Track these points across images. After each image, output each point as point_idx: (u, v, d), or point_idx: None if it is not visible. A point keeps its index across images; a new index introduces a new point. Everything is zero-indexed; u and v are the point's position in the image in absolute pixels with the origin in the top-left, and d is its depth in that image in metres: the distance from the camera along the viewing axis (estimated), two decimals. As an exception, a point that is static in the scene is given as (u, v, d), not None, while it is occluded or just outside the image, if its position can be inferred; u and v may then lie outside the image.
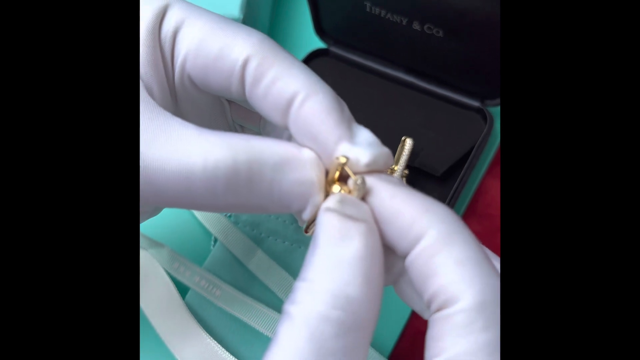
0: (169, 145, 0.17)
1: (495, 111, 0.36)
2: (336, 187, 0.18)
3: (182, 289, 0.31)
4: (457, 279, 0.16)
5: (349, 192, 0.18)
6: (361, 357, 0.16)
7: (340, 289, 0.16)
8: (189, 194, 0.17)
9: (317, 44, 0.39)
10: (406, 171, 0.32)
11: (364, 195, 0.18)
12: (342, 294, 0.16)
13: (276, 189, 0.17)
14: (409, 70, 0.36)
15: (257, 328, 0.29)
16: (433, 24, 0.31)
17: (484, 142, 0.33)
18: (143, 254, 0.31)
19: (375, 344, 0.29)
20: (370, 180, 0.18)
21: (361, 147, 0.18)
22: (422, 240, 0.17)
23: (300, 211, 0.18)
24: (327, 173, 0.18)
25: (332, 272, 0.16)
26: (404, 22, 0.32)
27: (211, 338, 0.29)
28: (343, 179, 0.18)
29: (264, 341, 0.30)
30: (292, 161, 0.17)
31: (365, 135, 0.18)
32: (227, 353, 0.29)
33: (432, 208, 0.17)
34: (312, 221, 0.18)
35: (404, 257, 0.17)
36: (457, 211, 0.34)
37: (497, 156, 0.36)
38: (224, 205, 0.18)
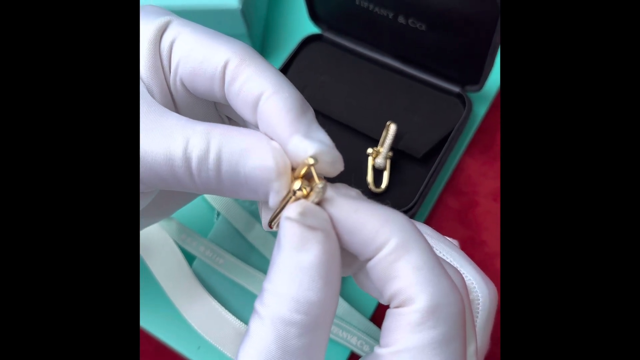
0: (160, 134, 0.19)
1: (474, 96, 0.38)
2: (297, 184, 0.18)
3: (189, 258, 0.34)
4: (414, 283, 0.18)
5: (308, 193, 0.19)
6: (322, 351, 0.18)
7: (302, 295, 0.18)
8: (173, 176, 0.19)
9: (312, 29, 0.42)
10: (390, 153, 0.36)
11: (321, 200, 0.19)
12: (304, 299, 0.18)
13: (241, 172, 0.19)
14: (396, 57, 0.39)
15: (255, 293, 0.33)
16: (416, 19, 0.34)
17: (462, 125, 0.36)
18: (154, 226, 0.35)
19: (358, 308, 0.33)
20: (332, 194, 0.19)
21: (311, 140, 0.19)
22: (384, 248, 0.18)
23: (267, 198, 0.19)
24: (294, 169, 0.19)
25: (293, 278, 0.18)
26: (390, 16, 0.35)
27: (215, 300, 0.33)
28: (307, 177, 0.19)
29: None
30: (256, 148, 0.18)
31: (320, 135, 0.19)
32: (229, 313, 0.32)
33: (392, 218, 0.19)
34: (275, 216, 0.20)
35: (365, 260, 0.19)
36: (435, 189, 0.37)
37: (474, 138, 0.39)
38: (203, 187, 0.19)
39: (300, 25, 0.44)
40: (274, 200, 0.19)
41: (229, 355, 0.32)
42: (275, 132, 0.19)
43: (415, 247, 0.18)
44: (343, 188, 0.20)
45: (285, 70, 0.40)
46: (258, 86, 0.20)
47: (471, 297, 0.26)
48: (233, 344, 0.32)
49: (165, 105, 0.22)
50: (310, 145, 0.18)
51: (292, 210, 0.18)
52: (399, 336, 0.18)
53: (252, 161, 0.18)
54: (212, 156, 0.19)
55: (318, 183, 0.18)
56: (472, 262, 0.27)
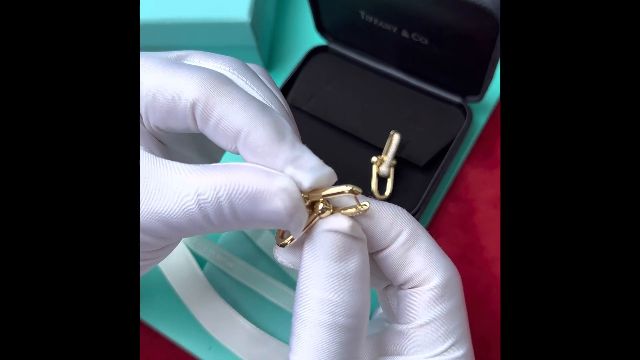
0: (171, 195, 0.19)
1: (475, 106, 0.40)
2: (320, 205, 0.20)
3: (201, 262, 0.36)
4: (428, 265, 0.21)
5: (332, 209, 0.20)
6: (363, 344, 0.20)
7: (351, 300, 0.19)
8: (196, 228, 0.20)
9: (318, 40, 0.43)
10: (394, 161, 0.37)
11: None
12: (354, 303, 0.19)
13: (256, 216, 0.19)
14: (399, 68, 0.40)
15: (265, 295, 0.35)
16: (419, 34, 0.35)
17: (463, 134, 0.38)
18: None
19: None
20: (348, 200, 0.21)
21: (304, 171, 0.19)
22: (399, 238, 0.21)
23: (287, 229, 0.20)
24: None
25: (341, 285, 0.19)
26: (394, 30, 0.36)
27: (225, 302, 0.34)
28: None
29: (270, 306, 0.35)
30: (262, 193, 0.19)
31: (307, 158, 0.20)
32: (240, 315, 0.34)
33: (399, 212, 0.21)
34: (282, 234, 0.22)
35: (375, 252, 0.22)
36: (437, 196, 0.39)
37: (474, 147, 0.41)
38: (229, 229, 0.20)
39: (307, 37, 0.45)
40: (295, 234, 0.20)
41: (239, 356, 0.33)
42: (266, 164, 0.20)
43: (422, 234, 0.22)
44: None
45: (292, 80, 0.41)
46: (232, 126, 0.20)
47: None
48: (243, 344, 0.33)
49: (154, 146, 0.23)
50: (305, 176, 0.19)
51: (339, 223, 0.20)
52: (420, 311, 0.21)
53: (263, 208, 0.19)
54: (225, 209, 0.19)
55: (363, 204, 0.21)
56: None
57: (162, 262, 0.35)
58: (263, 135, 0.20)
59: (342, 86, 0.41)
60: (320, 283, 0.19)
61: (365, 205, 0.21)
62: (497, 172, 0.40)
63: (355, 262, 0.20)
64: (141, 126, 0.22)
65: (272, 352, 0.33)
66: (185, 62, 0.23)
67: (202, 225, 0.20)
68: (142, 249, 0.21)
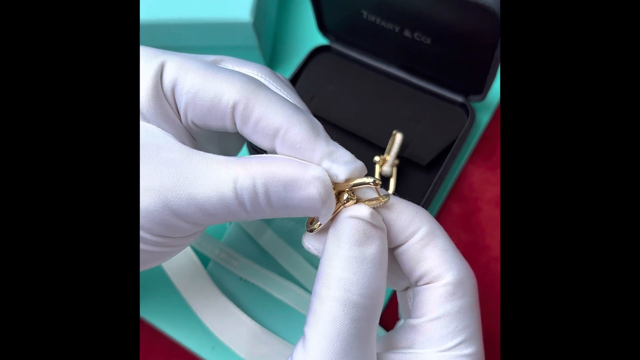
0: (208, 182, 0.21)
1: (477, 106, 0.40)
2: (345, 195, 0.22)
3: (204, 260, 0.36)
4: (443, 262, 0.22)
5: (356, 200, 0.22)
6: (375, 329, 0.21)
7: (367, 282, 0.20)
8: (230, 214, 0.21)
9: (320, 40, 0.43)
10: (397, 161, 0.37)
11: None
12: (370, 285, 0.20)
13: (289, 203, 0.21)
14: (402, 68, 0.40)
15: (271, 293, 0.35)
16: (421, 33, 0.35)
17: (466, 134, 0.38)
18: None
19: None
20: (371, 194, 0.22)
21: (339, 164, 0.21)
22: (416, 235, 0.22)
23: (317, 215, 0.22)
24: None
25: (360, 267, 0.20)
26: (397, 30, 0.36)
27: (228, 299, 0.34)
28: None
29: (274, 303, 0.35)
30: (297, 181, 0.20)
31: (341, 153, 0.22)
32: (244, 314, 0.34)
33: (419, 210, 0.23)
34: (311, 221, 0.23)
35: (394, 247, 0.23)
36: (440, 195, 0.39)
37: (477, 146, 0.41)
38: (259, 216, 0.22)
39: (309, 36, 0.45)
40: (324, 219, 0.22)
41: (243, 356, 0.33)
42: (304, 159, 0.21)
43: (440, 233, 0.23)
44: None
45: (294, 80, 0.41)
46: (271, 125, 0.22)
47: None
48: (245, 343, 0.33)
49: (187, 139, 0.24)
50: (341, 169, 0.21)
51: (360, 211, 0.21)
52: (432, 307, 0.22)
53: (297, 195, 0.20)
54: (261, 196, 0.20)
55: (383, 196, 0.22)
56: None
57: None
58: (301, 132, 0.21)
59: (344, 86, 0.41)
60: (340, 264, 0.21)
61: (385, 197, 0.22)
62: (499, 171, 0.40)
63: (374, 248, 0.21)
64: (177, 121, 0.23)
65: (275, 352, 0.33)
66: (221, 66, 0.24)
67: (236, 211, 0.21)
68: (173, 234, 0.22)
